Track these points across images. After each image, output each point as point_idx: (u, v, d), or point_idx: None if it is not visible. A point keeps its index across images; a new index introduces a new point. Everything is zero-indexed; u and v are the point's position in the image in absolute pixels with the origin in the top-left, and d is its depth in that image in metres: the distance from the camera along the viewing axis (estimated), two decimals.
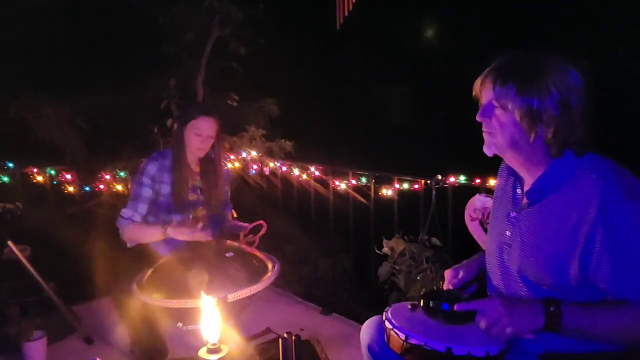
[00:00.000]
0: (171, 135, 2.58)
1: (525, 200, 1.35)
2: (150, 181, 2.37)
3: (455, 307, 1.28)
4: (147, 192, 2.37)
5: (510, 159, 1.35)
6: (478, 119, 1.32)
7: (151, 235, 2.30)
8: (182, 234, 2.23)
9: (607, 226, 1.17)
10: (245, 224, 2.49)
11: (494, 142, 1.30)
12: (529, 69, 1.22)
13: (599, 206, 1.18)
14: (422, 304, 1.39)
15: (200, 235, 2.20)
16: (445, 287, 1.54)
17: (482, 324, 1.21)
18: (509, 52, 1.28)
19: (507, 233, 1.38)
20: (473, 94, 1.34)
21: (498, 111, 1.27)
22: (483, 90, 1.30)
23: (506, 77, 1.23)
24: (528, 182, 1.35)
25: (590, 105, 1.23)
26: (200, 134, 2.35)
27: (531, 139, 1.24)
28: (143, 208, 2.36)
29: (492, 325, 1.20)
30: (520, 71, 1.23)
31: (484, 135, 1.33)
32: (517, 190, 1.40)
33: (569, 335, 1.20)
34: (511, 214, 1.38)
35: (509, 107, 1.23)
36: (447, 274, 1.55)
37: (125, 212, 2.36)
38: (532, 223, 1.31)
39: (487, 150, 1.34)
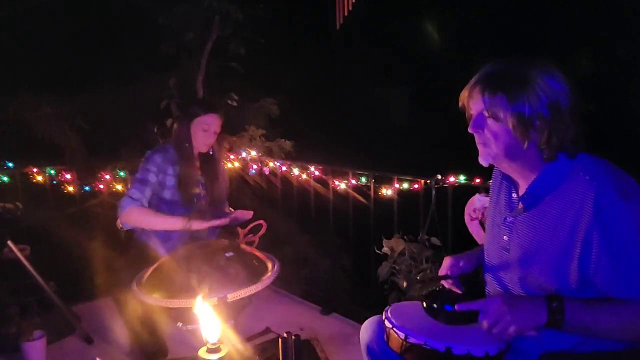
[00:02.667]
0: (171, 135, 2.60)
1: (521, 205, 1.35)
2: (156, 169, 2.41)
3: (457, 307, 1.28)
4: (153, 179, 2.40)
5: (506, 168, 1.36)
6: (471, 131, 1.32)
7: (169, 225, 2.34)
8: (205, 224, 2.34)
9: (603, 228, 1.18)
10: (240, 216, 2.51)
11: (489, 152, 1.31)
12: (515, 76, 1.22)
13: (594, 208, 1.18)
14: (424, 304, 1.38)
15: (218, 222, 2.34)
16: (442, 272, 1.54)
17: (485, 323, 1.21)
18: (492, 61, 1.28)
19: (505, 238, 1.39)
20: (460, 104, 1.34)
21: (490, 122, 1.27)
22: (471, 102, 1.30)
23: (495, 87, 1.23)
24: (523, 186, 1.35)
25: (578, 105, 1.24)
26: (207, 129, 2.42)
27: (525, 146, 1.24)
28: (149, 193, 2.39)
29: (495, 324, 1.19)
30: (508, 80, 1.23)
31: (479, 146, 1.34)
32: (513, 195, 1.40)
33: (572, 332, 1.20)
34: (508, 219, 1.39)
35: (501, 116, 1.23)
36: (447, 260, 1.56)
37: (133, 192, 2.36)
38: (529, 228, 1.31)
39: (483, 162, 1.34)
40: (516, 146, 1.26)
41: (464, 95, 1.32)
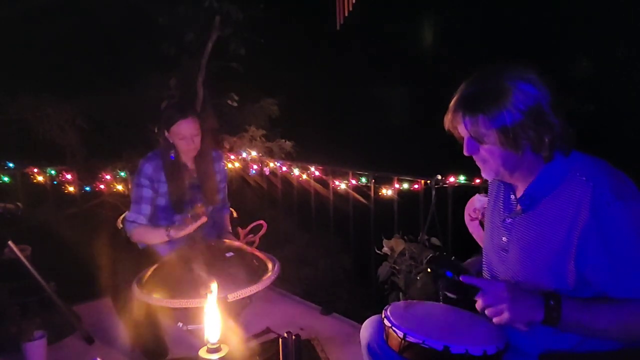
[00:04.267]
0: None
1: (519, 207, 1.36)
2: (148, 181, 2.37)
3: (462, 278, 1.27)
4: (147, 193, 2.37)
5: (509, 178, 1.36)
6: (466, 154, 1.33)
7: (156, 238, 2.31)
8: (183, 230, 2.22)
9: (599, 228, 1.18)
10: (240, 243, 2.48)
11: (490, 168, 1.33)
12: (490, 93, 1.23)
13: (590, 209, 1.19)
14: (429, 264, 1.38)
15: (197, 224, 2.19)
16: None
17: (480, 302, 1.21)
18: (467, 80, 1.29)
19: (504, 239, 1.40)
20: (445, 127, 1.35)
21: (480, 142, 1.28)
22: (456, 126, 1.31)
23: (472, 109, 1.24)
24: (521, 188, 1.36)
25: (559, 100, 1.24)
26: (183, 137, 2.33)
27: (520, 154, 1.25)
28: (146, 209, 2.37)
29: (490, 306, 1.19)
30: (483, 98, 1.23)
31: (478, 164, 1.35)
32: (511, 196, 1.41)
33: (568, 330, 1.20)
34: (506, 220, 1.40)
35: (487, 135, 1.25)
36: None
37: (129, 215, 2.37)
38: (527, 229, 1.32)
39: (487, 177, 1.37)
40: (512, 156, 1.26)
41: (447, 119, 1.33)
